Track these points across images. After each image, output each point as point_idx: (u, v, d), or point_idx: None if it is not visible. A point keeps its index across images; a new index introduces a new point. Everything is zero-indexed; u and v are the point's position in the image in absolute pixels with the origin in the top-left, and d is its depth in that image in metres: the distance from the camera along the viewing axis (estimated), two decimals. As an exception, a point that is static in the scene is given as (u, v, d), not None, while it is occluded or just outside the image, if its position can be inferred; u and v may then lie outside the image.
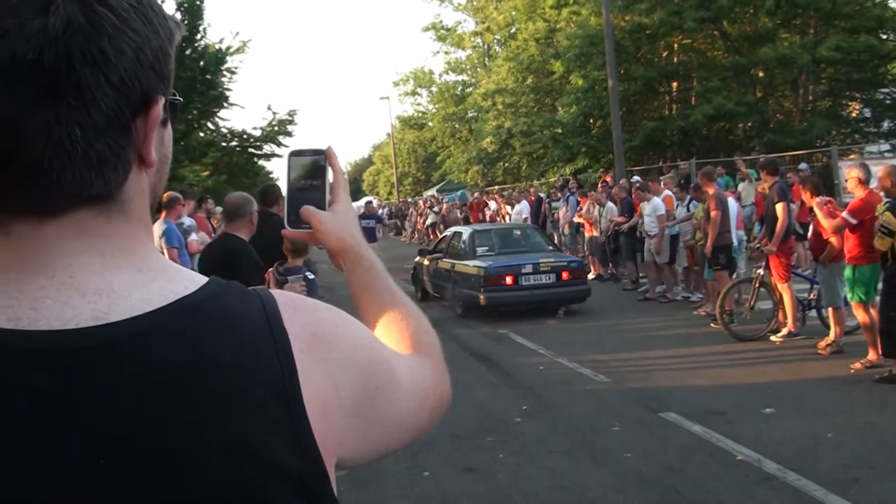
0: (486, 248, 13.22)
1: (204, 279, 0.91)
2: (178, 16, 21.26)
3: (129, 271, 0.86)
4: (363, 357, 0.96)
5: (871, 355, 7.91)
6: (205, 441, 0.80)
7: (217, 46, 22.95)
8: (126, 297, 0.83)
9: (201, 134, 25.82)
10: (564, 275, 12.34)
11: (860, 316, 8.11)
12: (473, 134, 42.58)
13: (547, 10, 30.51)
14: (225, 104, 38.58)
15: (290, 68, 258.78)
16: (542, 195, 22.60)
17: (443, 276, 13.85)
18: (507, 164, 38.34)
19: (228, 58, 38.04)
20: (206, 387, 0.81)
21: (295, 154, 1.22)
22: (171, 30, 0.88)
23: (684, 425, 6.54)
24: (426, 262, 14.73)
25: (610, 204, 15.78)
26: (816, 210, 8.51)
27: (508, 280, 12.11)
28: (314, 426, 0.86)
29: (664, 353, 9.45)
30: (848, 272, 8.05)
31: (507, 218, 21.65)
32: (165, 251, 8.89)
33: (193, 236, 9.90)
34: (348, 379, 0.92)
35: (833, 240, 8.36)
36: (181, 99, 1.00)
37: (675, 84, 27.65)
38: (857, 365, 7.97)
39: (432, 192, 49.60)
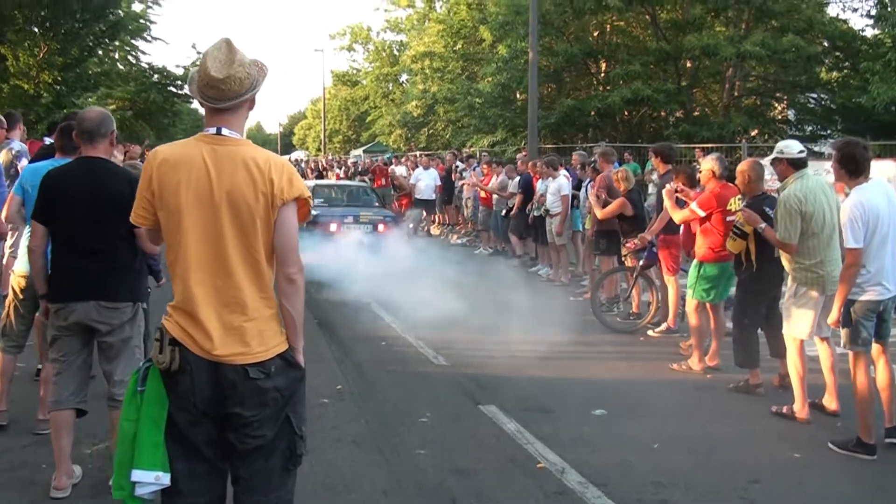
0: (322, 199, 14.92)
1: None
2: None
3: None
4: None
5: (694, 360, 7.42)
6: None
7: None
8: None
9: (103, 62, 24.21)
10: (381, 227, 13.92)
11: (692, 317, 7.58)
12: (402, 96, 41.49)
13: (481, -27, 29.57)
14: (148, 37, 36.92)
15: (223, 7, 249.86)
16: (459, 164, 21.70)
17: None
18: (430, 131, 37.37)
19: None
20: None
21: None
22: None
23: (500, 421, 5.85)
24: None
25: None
26: (665, 198, 7.93)
27: (333, 227, 13.51)
28: None
29: (522, 338, 8.66)
30: (692, 268, 7.50)
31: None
32: (-24, 176, 7.87)
33: (24, 161, 8.82)
34: None
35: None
36: None
37: (604, 65, 27.02)
38: (675, 366, 7.52)
39: (359, 152, 48.41)
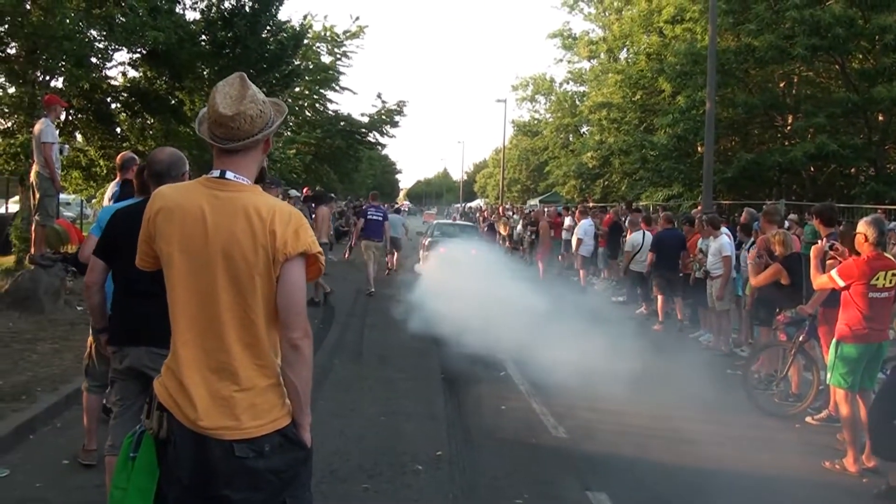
0: (439, 232, 21.74)
1: None
2: None
3: None
4: None
5: (849, 459, 6.35)
6: None
7: (293, 26, 22.01)
8: None
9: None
10: (473, 251, 17.19)
11: (842, 407, 6.54)
12: (580, 147, 41.02)
13: (663, 24, 28.62)
14: (336, 87, 38.63)
15: (409, 60, 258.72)
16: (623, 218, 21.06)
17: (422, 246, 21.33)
18: (606, 182, 36.55)
19: (346, 42, 38.10)
20: None
21: None
22: None
23: (605, 513, 5.20)
24: (422, 240, 22.05)
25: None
26: (812, 256, 7.01)
27: (443, 249, 17.51)
28: None
29: (660, 413, 7.86)
30: (831, 347, 6.54)
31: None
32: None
33: None
34: None
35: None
36: None
37: (790, 117, 25.37)
38: (827, 464, 6.48)
39: (535, 201, 48.28)
